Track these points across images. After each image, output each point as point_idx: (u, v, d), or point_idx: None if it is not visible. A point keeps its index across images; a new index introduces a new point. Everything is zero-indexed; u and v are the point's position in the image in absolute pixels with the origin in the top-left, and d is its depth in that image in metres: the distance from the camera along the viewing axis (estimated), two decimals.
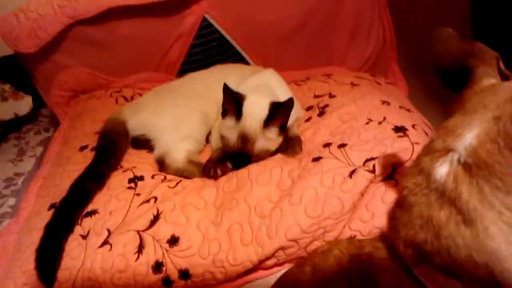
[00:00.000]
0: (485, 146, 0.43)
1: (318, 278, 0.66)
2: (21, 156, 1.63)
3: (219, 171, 1.16)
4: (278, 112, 1.14)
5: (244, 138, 1.16)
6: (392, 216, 0.57)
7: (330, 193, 0.98)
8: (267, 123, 1.15)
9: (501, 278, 0.40)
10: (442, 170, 0.46)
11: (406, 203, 0.53)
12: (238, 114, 1.16)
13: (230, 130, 1.18)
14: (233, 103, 1.16)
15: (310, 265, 0.69)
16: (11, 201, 1.37)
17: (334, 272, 0.63)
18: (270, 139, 1.17)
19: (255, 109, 1.16)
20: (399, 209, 0.56)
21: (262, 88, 1.26)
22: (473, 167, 0.43)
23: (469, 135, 0.46)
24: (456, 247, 0.43)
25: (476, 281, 0.42)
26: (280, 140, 1.20)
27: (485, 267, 0.41)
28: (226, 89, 1.14)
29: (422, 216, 0.48)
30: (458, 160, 0.45)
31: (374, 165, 1.02)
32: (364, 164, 1.04)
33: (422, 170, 0.51)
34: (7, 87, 1.75)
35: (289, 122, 1.30)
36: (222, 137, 1.21)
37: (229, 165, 1.18)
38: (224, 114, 1.20)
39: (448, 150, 0.47)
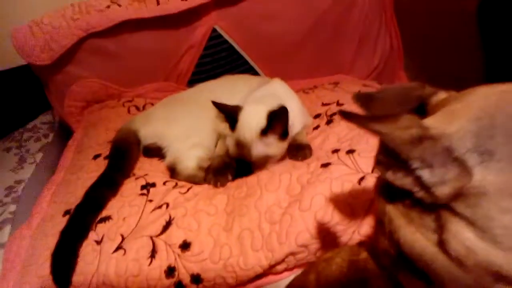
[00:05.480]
0: None
1: (321, 286, 0.66)
2: (21, 164, 1.64)
3: (218, 184, 1.19)
4: (275, 121, 1.14)
5: (240, 146, 1.18)
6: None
7: (340, 200, 1.00)
8: (265, 131, 1.15)
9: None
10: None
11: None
12: (232, 125, 1.19)
13: (228, 138, 1.22)
14: (227, 115, 1.21)
15: (315, 272, 0.70)
16: (12, 207, 1.38)
17: (336, 280, 0.64)
18: (269, 144, 1.17)
19: (250, 118, 1.18)
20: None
21: (270, 98, 1.27)
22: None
23: None
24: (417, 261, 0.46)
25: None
26: (283, 145, 1.20)
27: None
28: (217, 105, 1.20)
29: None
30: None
31: None
32: (373, 171, 1.05)
33: None
34: None
35: (296, 130, 1.32)
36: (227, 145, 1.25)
37: (229, 177, 1.21)
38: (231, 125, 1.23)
39: None
